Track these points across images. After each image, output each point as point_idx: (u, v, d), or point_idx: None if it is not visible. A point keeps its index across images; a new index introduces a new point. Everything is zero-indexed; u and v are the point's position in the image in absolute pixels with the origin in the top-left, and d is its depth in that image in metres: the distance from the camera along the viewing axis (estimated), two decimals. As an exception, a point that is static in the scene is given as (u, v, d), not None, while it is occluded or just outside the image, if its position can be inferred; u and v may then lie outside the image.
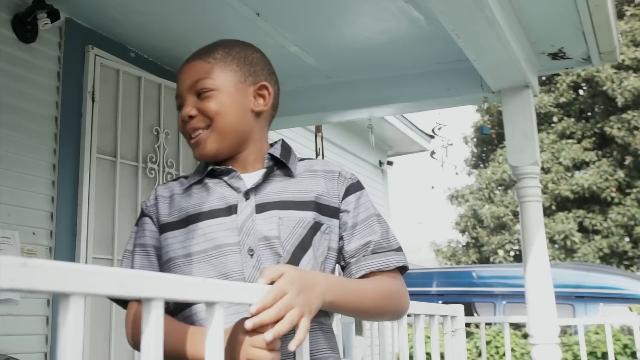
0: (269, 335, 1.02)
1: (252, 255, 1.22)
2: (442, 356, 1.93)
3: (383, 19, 3.36)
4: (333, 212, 1.30)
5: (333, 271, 1.32)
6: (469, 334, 7.18)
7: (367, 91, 4.16)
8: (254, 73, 1.34)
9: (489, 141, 17.95)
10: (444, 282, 8.48)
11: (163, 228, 1.31)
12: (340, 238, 1.31)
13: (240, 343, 1.04)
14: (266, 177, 1.30)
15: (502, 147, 16.60)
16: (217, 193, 1.29)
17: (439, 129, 4.33)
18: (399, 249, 1.34)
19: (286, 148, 1.37)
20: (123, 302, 1.31)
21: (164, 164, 3.77)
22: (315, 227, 1.27)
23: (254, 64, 1.36)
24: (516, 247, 16.35)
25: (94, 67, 3.46)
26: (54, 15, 3.16)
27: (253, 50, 1.39)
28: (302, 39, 3.63)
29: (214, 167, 1.33)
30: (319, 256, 1.27)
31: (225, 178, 1.31)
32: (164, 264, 1.30)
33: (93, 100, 3.42)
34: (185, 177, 1.39)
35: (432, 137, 7.29)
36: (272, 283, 1.07)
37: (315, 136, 4.87)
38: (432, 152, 4.56)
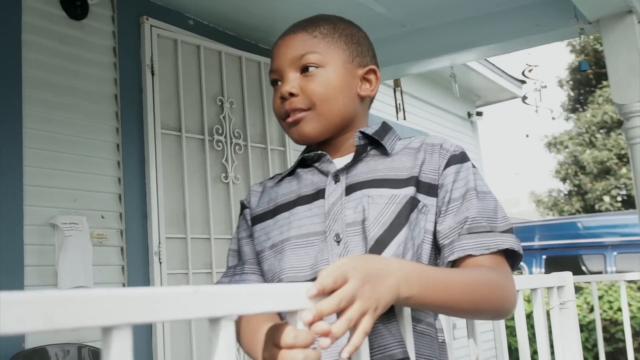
0: (325, 341, 0.78)
1: (338, 242, 1.09)
2: (550, 335, 1.63)
3: (456, -50, 2.99)
4: (431, 188, 1.13)
5: (431, 260, 1.11)
6: (578, 289, 6.72)
7: (446, 36, 3.80)
8: (361, 54, 1.21)
9: (586, 82, 16.91)
10: (547, 235, 7.99)
11: (253, 221, 1.24)
12: (437, 216, 1.12)
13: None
14: (357, 157, 1.17)
15: (602, 87, 15.58)
16: (307, 180, 1.19)
17: (530, 70, 3.91)
18: (508, 231, 1.10)
19: (385, 128, 1.22)
20: None
21: (230, 135, 3.57)
22: (413, 203, 1.09)
23: (361, 43, 1.22)
24: (623, 192, 15.41)
25: (151, 39, 3.27)
26: (101, -14, 2.98)
27: (358, 29, 1.26)
28: (368, -15, 3.30)
29: (305, 155, 1.22)
30: (415, 237, 1.09)
31: (317, 164, 1.20)
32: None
33: (152, 74, 3.25)
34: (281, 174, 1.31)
35: (523, 82, 6.76)
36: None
37: (395, 91, 4.54)
38: (524, 97, 4.15)
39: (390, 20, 3.75)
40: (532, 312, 1.51)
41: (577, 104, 17.64)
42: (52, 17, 2.94)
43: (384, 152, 1.17)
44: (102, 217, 2.99)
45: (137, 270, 3.04)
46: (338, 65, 1.17)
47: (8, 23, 2.74)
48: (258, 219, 1.23)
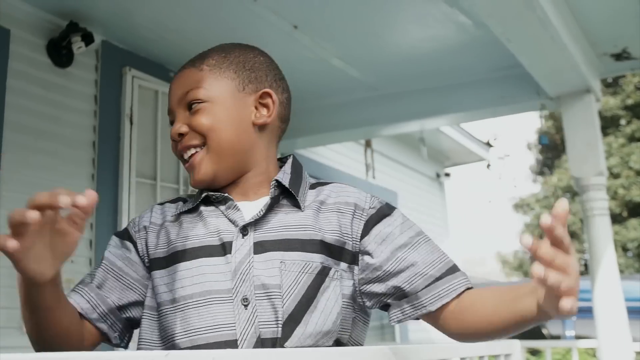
0: None
1: (246, 306, 1.02)
2: (495, 399, 1.72)
3: (428, 25, 3.17)
4: (345, 253, 1.08)
5: (346, 323, 1.08)
6: (536, 352, 6.83)
7: (416, 102, 3.97)
8: (254, 79, 1.14)
9: (553, 147, 17.37)
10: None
11: (152, 264, 1.12)
12: (369, 281, 1.08)
13: None
14: (270, 209, 1.09)
15: (568, 152, 15.99)
16: (211, 225, 1.09)
17: (495, 139, 4.09)
18: (457, 266, 1.10)
19: (297, 171, 1.15)
20: None
21: (205, 186, 3.66)
22: (324, 272, 1.05)
23: (256, 69, 1.15)
24: (587, 256, 15.69)
25: (132, 89, 3.38)
26: (88, 38, 3.09)
27: (256, 53, 1.19)
28: (344, 51, 3.47)
29: (209, 193, 1.12)
30: (332, 307, 1.05)
31: (222, 207, 1.11)
32: (152, 309, 1.10)
33: (131, 123, 3.34)
34: (186, 200, 1.18)
35: (490, 146, 6.99)
36: None
37: (365, 150, 4.68)
38: (488, 165, 4.32)
39: (364, 84, 3.91)
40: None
41: (545, 167, 18.08)
42: (37, 64, 3.03)
43: (297, 204, 1.11)
44: (72, 261, 3.03)
45: (103, 315, 3.07)
46: (225, 97, 1.11)
47: (-6, 68, 2.83)
48: (156, 264, 1.11)
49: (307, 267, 1.04)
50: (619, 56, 3.46)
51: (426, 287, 1.05)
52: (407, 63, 3.63)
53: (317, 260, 1.05)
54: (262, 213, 1.08)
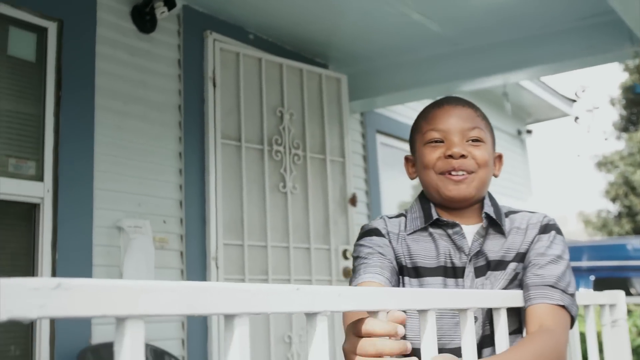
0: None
1: (475, 322, 1.26)
2: (601, 350, 1.68)
3: (513, -27, 3.05)
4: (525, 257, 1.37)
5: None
6: (627, 312, 6.65)
7: (498, 56, 3.85)
8: (494, 142, 1.46)
9: (639, 102, 16.60)
10: (595, 255, 7.90)
11: (400, 269, 1.38)
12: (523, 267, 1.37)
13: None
14: (484, 237, 1.37)
15: (655, 107, 15.26)
16: (443, 248, 1.37)
17: (583, 91, 3.94)
18: (570, 295, 1.30)
19: (495, 204, 1.42)
20: None
21: (289, 146, 3.69)
22: (515, 277, 1.35)
23: (493, 134, 1.47)
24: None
25: (214, 52, 3.42)
26: (170, 3, 3.14)
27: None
28: (425, 5, 3.39)
29: (440, 218, 1.38)
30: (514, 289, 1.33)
31: (450, 232, 1.37)
32: None
33: (214, 86, 3.39)
34: (404, 215, 1.45)
35: (574, 101, 6.73)
36: None
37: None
38: (576, 118, 4.16)
39: (444, 39, 3.82)
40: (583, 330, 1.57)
41: (629, 123, 17.33)
42: (123, 30, 3.11)
43: (501, 231, 1.38)
44: (164, 221, 3.13)
45: (196, 274, 3.17)
46: (490, 145, 1.42)
47: (85, 35, 2.91)
48: (404, 271, 1.38)
49: (504, 275, 1.35)
50: None
51: (542, 285, 1.29)
52: (489, 15, 3.52)
53: (512, 268, 1.35)
54: (480, 244, 1.36)
